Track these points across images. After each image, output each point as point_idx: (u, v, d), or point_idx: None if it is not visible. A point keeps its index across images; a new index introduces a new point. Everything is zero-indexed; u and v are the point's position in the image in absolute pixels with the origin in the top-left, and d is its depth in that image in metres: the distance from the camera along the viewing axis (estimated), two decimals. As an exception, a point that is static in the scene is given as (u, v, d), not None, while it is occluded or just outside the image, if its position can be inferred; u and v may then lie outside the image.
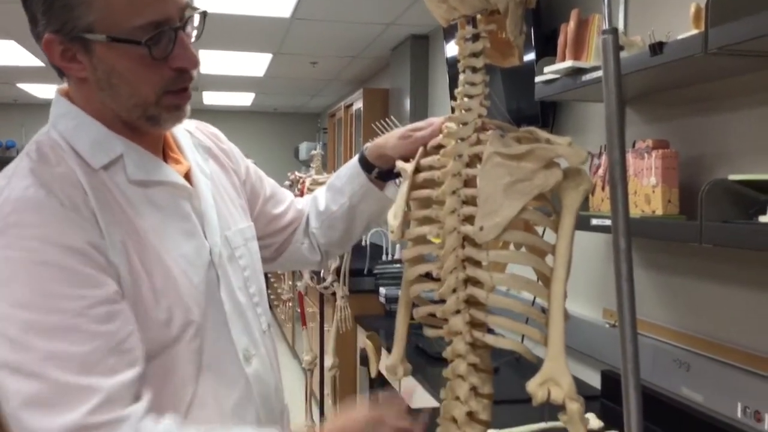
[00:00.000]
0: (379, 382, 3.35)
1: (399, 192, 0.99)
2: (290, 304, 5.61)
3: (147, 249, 0.97)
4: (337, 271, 3.63)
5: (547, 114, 2.51)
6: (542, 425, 1.76)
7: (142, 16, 0.92)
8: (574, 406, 0.81)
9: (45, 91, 6.70)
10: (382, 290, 3.71)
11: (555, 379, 0.82)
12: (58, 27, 0.93)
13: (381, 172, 1.26)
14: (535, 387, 0.83)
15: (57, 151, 0.97)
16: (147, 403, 0.90)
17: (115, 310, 0.91)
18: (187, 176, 1.10)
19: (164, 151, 1.10)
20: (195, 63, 0.99)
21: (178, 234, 1.02)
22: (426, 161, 0.98)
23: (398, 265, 4.03)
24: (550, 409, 1.99)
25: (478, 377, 0.91)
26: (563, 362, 0.82)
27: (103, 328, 0.89)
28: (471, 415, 0.91)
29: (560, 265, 0.83)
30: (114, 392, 0.86)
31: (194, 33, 1.01)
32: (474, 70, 0.92)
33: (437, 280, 0.93)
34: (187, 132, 1.17)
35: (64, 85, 1.05)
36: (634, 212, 1.65)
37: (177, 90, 0.99)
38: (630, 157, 1.69)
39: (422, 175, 0.98)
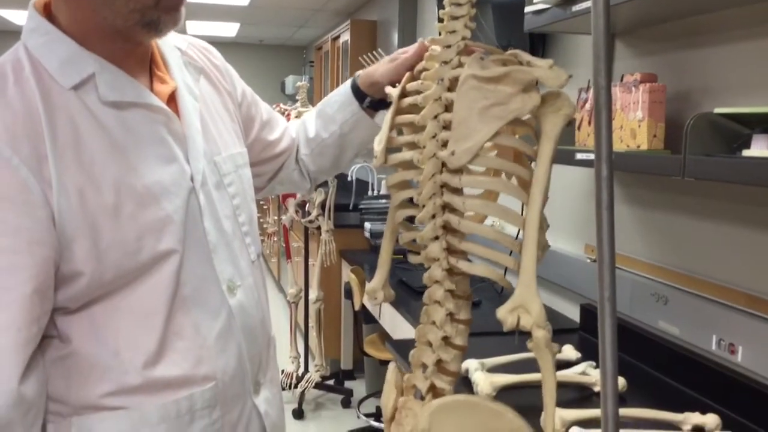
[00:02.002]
0: (363, 315, 3.40)
1: (385, 117, 0.97)
2: (275, 237, 5.62)
3: (110, 172, 0.93)
4: (322, 205, 3.63)
5: (536, 48, 2.47)
6: (523, 355, 1.79)
7: None
8: (540, 333, 0.81)
9: (23, 18, 6.52)
10: (367, 225, 3.72)
11: (525, 305, 0.82)
12: None
13: (373, 102, 1.23)
14: (505, 313, 0.83)
15: (17, 70, 0.92)
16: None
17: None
18: (173, 97, 1.05)
19: (150, 69, 1.05)
20: None
21: (153, 159, 0.98)
22: (411, 86, 0.96)
23: (384, 201, 4.03)
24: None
25: (455, 303, 0.91)
26: (534, 289, 0.82)
27: None
28: (446, 340, 0.91)
29: (536, 191, 0.82)
30: None
31: None
32: None
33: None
34: (177, 50, 1.11)
35: None
36: (620, 147, 1.64)
37: None
38: (617, 91, 1.67)
39: (407, 100, 0.96)
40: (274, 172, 1.34)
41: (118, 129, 0.95)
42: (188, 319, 1.00)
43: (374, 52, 4.66)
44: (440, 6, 3.51)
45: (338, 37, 5.41)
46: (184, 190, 1.00)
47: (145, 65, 1.04)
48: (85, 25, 0.95)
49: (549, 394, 0.83)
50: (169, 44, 1.09)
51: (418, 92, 0.94)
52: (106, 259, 0.92)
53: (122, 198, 0.94)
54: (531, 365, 1.75)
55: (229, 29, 7.48)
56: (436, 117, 0.89)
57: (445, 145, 0.88)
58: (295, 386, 3.72)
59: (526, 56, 0.84)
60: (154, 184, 0.96)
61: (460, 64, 0.88)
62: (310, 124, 1.33)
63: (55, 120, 0.91)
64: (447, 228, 0.90)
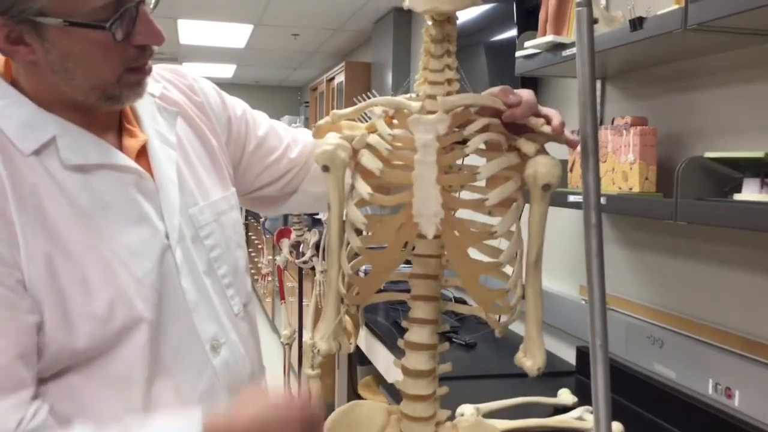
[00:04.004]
0: (358, 357, 3.36)
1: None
2: (269, 278, 5.60)
3: (77, 241, 0.89)
4: (317, 246, 3.62)
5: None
6: (519, 400, 1.77)
7: None
8: None
9: None
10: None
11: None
12: (5, 9, 0.82)
13: None
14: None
15: None
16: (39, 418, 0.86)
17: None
18: (144, 150, 1.00)
19: (121, 123, 1.01)
20: (160, 38, 0.90)
21: (121, 222, 0.94)
22: None
23: (378, 241, 4.02)
24: (527, 385, 2.01)
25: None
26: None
27: None
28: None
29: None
30: None
31: (152, 1, 0.92)
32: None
33: None
34: (150, 96, 1.05)
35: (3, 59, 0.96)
36: (612, 189, 1.65)
37: (138, 66, 0.92)
38: (609, 134, 1.68)
39: None
40: (282, 189, 1.27)
41: (83, 194, 0.92)
42: (169, 383, 0.96)
43: (369, 93, 4.72)
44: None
45: (333, 78, 5.47)
46: (156, 251, 0.96)
47: (113, 121, 1.00)
48: (45, 94, 0.92)
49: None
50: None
51: None
52: (77, 329, 0.89)
53: (90, 266, 0.90)
54: (527, 410, 1.73)
55: (225, 71, 7.55)
56: None
57: None
58: (289, 430, 3.66)
59: None
60: (121, 248, 0.93)
61: None
62: None
63: (19, 185, 0.88)
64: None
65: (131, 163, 0.97)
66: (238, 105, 1.22)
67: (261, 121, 1.25)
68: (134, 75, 0.92)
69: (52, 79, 0.90)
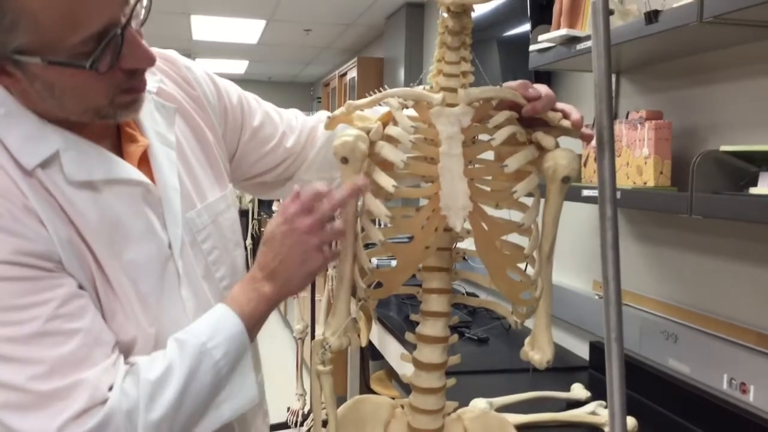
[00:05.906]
0: (370, 351, 3.37)
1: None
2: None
3: (92, 260, 0.88)
4: (329, 240, 3.62)
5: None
6: (532, 394, 1.77)
7: (82, 30, 0.78)
8: None
9: None
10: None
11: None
12: None
13: None
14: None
15: None
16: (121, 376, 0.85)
17: (84, 304, 0.86)
18: (145, 154, 0.97)
19: (120, 126, 0.97)
20: (150, 60, 0.86)
21: (128, 237, 0.91)
22: None
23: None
24: (540, 379, 2.01)
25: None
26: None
27: (78, 324, 0.84)
28: None
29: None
30: (98, 380, 0.82)
31: (142, 12, 0.84)
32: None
33: None
34: (147, 93, 0.98)
35: None
36: (626, 183, 1.64)
37: (131, 86, 0.88)
38: (623, 128, 1.67)
39: None
40: (279, 175, 1.24)
41: (91, 209, 0.88)
42: None
43: (381, 89, 4.71)
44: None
45: (345, 73, 5.47)
46: (160, 264, 0.94)
47: (112, 126, 0.96)
48: (41, 111, 0.88)
49: None
50: None
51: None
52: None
53: (99, 289, 0.89)
54: (540, 405, 1.73)
55: (238, 66, 7.57)
56: None
57: None
58: (301, 424, 3.68)
59: None
60: (129, 264, 0.91)
61: None
62: None
63: (38, 202, 0.85)
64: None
65: (139, 176, 0.94)
66: (232, 91, 1.18)
67: (256, 108, 1.21)
68: (127, 95, 0.88)
69: (43, 103, 0.86)
